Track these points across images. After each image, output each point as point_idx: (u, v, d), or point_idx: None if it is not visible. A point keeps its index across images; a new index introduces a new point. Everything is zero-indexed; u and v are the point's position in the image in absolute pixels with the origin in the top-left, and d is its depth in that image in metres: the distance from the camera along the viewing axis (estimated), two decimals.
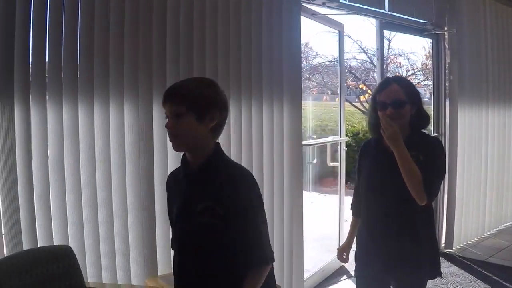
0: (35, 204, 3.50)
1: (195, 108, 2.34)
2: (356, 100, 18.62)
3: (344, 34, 6.57)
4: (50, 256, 3.15)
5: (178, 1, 4.11)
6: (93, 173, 3.70)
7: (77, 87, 3.63)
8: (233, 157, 4.44)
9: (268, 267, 2.46)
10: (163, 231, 4.05)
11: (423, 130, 3.28)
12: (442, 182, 3.65)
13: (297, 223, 5.07)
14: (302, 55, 5.29)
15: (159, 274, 3.99)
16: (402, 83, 3.19)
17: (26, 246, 3.41)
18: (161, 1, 4.01)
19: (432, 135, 3.47)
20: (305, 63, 15.88)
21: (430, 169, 3.04)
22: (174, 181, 2.68)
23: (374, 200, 3.28)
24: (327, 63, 16.67)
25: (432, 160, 3.08)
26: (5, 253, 3.31)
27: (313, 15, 5.68)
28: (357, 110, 17.45)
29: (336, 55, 7.52)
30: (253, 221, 2.40)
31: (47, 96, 3.53)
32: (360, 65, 18.17)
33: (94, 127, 3.74)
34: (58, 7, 3.52)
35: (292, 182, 4.99)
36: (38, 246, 3.43)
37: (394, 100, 3.08)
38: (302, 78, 5.26)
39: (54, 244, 3.50)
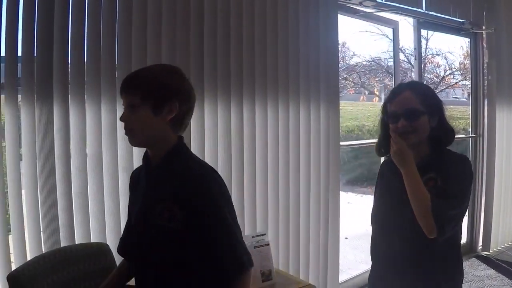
0: (73, 202, 3.52)
1: (151, 99, 2.08)
2: None
3: (382, 33, 6.50)
4: (87, 253, 3.15)
5: (215, 0, 4.10)
6: (130, 171, 3.69)
7: (115, 87, 3.63)
8: (270, 156, 4.45)
9: (248, 272, 2.15)
10: None
11: (448, 148, 2.68)
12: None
13: (333, 224, 5.01)
14: (339, 55, 5.20)
15: None
16: (418, 89, 2.63)
17: (63, 243, 3.42)
18: (198, 0, 4.01)
19: (460, 153, 2.64)
20: (342, 62, 15.78)
21: (446, 196, 2.42)
22: (136, 179, 2.44)
23: (381, 236, 2.78)
24: (364, 62, 16.52)
25: (451, 186, 2.46)
26: (43, 250, 3.33)
27: (360, 14, 5.61)
28: None
29: (374, 54, 7.46)
30: (221, 223, 2.09)
31: (85, 96, 3.54)
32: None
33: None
34: (96, 6, 3.52)
35: (329, 183, 4.93)
36: (76, 243, 3.45)
37: (407, 109, 2.53)
38: (339, 78, 5.17)
39: (91, 241, 3.52)
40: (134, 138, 2.18)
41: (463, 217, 2.58)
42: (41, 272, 2.83)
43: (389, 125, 2.63)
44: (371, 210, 2.86)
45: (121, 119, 2.18)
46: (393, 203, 2.66)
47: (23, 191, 3.40)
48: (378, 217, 2.78)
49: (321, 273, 4.96)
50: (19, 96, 3.33)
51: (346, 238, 7.51)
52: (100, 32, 3.55)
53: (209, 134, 4.08)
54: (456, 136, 2.74)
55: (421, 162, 2.54)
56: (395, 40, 6.43)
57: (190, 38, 3.94)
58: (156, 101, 2.09)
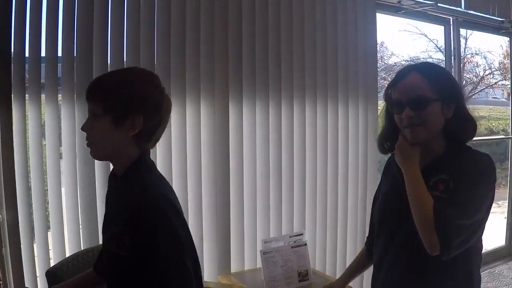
0: None
1: (113, 111, 1.81)
2: None
3: (420, 33, 6.39)
4: None
5: (253, 1, 4.06)
6: (169, 170, 3.69)
7: None
8: (308, 156, 4.38)
9: None
10: (237, 230, 4.01)
11: (468, 145, 2.14)
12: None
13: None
14: (377, 54, 5.11)
15: (232, 271, 3.95)
16: (428, 71, 2.07)
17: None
18: (236, 0, 3.98)
19: (482, 152, 2.12)
20: (380, 62, 15.59)
21: (456, 203, 1.91)
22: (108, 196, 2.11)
23: (382, 244, 2.25)
24: (403, 62, 16.30)
25: (464, 190, 1.94)
26: (81, 247, 3.34)
27: (401, 12, 5.52)
28: None
29: (412, 54, 7.32)
30: (150, 254, 1.72)
31: None
32: None
33: (171, 124, 3.69)
34: (135, 7, 3.51)
35: (366, 183, 4.83)
36: None
37: (413, 96, 2.00)
38: (378, 78, 5.09)
39: None
40: (94, 151, 1.91)
41: (479, 231, 2.03)
42: (79, 268, 2.83)
43: (394, 115, 2.12)
44: (371, 213, 2.48)
45: (82, 128, 1.93)
46: (397, 207, 2.12)
47: (62, 189, 3.41)
48: (380, 222, 2.27)
49: None
50: (59, 95, 3.34)
51: None
52: (139, 33, 3.54)
53: (247, 135, 4.04)
54: (496, 137, 2.43)
55: (433, 162, 2.07)
56: (447, 38, 6.35)
57: (229, 39, 3.91)
58: (118, 114, 1.81)
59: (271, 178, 4.17)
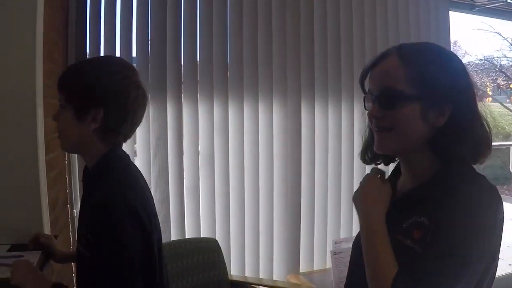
0: (184, 197, 3.52)
1: (73, 102, 1.65)
2: (507, 100, 17.32)
3: (494, 31, 6.11)
4: (196, 247, 3.16)
5: (325, 1, 3.98)
6: (241, 169, 3.67)
7: (227, 85, 3.61)
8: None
9: None
10: (307, 230, 3.94)
11: (469, 169, 1.40)
12: None
13: None
14: None
15: (300, 271, 3.89)
16: (412, 55, 1.37)
17: (174, 237, 3.44)
18: (308, 1, 3.93)
19: (484, 183, 1.34)
20: None
21: (430, 255, 1.24)
22: None
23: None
24: (477, 61, 15.84)
25: (446, 248, 1.24)
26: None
27: (475, 10, 5.32)
28: (508, 111, 16.37)
29: (486, 53, 7.02)
30: (103, 264, 1.52)
31: (198, 94, 3.56)
32: (511, 63, 16.97)
33: (243, 124, 3.69)
34: (208, 7, 3.51)
35: None
36: (186, 237, 3.47)
37: (382, 88, 1.38)
38: None
39: (201, 236, 3.52)
40: (61, 142, 1.77)
41: None
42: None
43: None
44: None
45: (52, 117, 1.77)
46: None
47: None
48: (352, 259, 1.61)
49: None
50: None
51: None
52: (212, 32, 3.54)
53: (319, 136, 3.97)
54: None
55: (412, 193, 1.42)
56: None
57: (301, 38, 3.87)
58: (78, 106, 1.65)
59: (342, 178, 4.09)
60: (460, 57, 1.47)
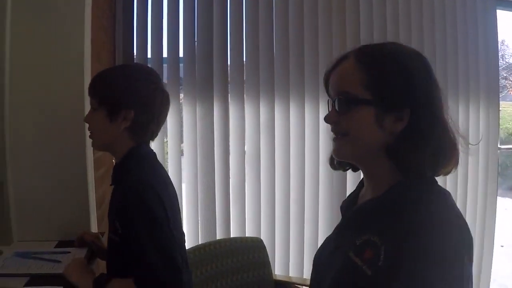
0: (230, 197, 3.53)
1: (106, 105, 1.86)
2: None
3: None
4: (241, 246, 3.15)
5: (371, 1, 3.93)
6: (287, 169, 3.65)
7: (273, 85, 3.59)
8: None
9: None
10: None
11: (431, 182, 1.28)
12: None
13: (488, 230, 4.63)
14: (498, 53, 4.79)
15: None
16: (368, 56, 1.28)
17: (219, 235, 3.44)
18: (354, 2, 3.87)
19: (448, 203, 1.23)
20: (501, 61, 14.82)
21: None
22: None
23: None
24: None
25: (397, 276, 1.10)
26: (199, 241, 3.36)
27: None
28: None
29: None
30: (138, 245, 1.71)
31: (244, 95, 3.56)
32: None
33: (289, 124, 3.66)
34: (253, 8, 3.50)
35: (486, 187, 4.53)
36: (231, 236, 3.46)
37: (338, 91, 1.30)
38: (499, 78, 4.77)
39: (246, 235, 3.52)
40: (93, 142, 1.98)
41: None
42: (197, 262, 2.88)
43: None
44: None
45: (84, 119, 1.99)
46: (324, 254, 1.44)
47: (183, 185, 3.48)
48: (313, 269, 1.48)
49: (474, 281, 4.61)
50: (181, 95, 3.42)
51: (502, 246, 7.00)
52: (258, 32, 3.52)
53: None
54: None
55: (366, 206, 1.31)
56: None
57: (346, 38, 3.83)
58: (111, 108, 1.86)
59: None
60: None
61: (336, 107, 1.28)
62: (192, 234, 3.42)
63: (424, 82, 1.23)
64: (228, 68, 3.49)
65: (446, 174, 1.27)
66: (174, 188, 2.00)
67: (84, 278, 1.79)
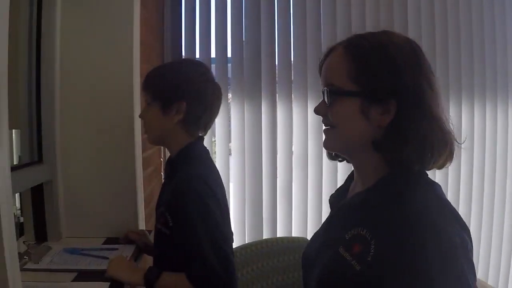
0: (277, 197, 3.52)
1: (159, 99, 1.89)
2: None
3: None
4: (288, 247, 3.14)
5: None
6: (334, 169, 3.62)
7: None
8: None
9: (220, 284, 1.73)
10: None
11: (423, 177, 1.23)
12: None
13: None
14: None
15: None
16: (357, 46, 1.21)
17: (266, 235, 3.44)
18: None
19: (437, 196, 1.18)
20: None
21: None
22: None
23: None
24: None
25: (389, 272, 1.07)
26: (245, 240, 3.38)
27: None
28: None
29: None
30: (189, 234, 1.74)
31: (292, 95, 3.55)
32: None
33: None
34: (301, 8, 3.48)
35: None
36: (277, 236, 3.45)
37: (325, 83, 1.25)
38: None
39: (292, 235, 3.51)
40: (148, 136, 2.00)
41: None
42: (243, 261, 2.88)
43: None
44: None
45: (139, 115, 2.03)
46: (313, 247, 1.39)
47: (231, 184, 3.50)
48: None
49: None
50: (229, 94, 3.44)
51: None
52: (306, 32, 3.50)
53: None
54: None
55: (356, 198, 1.27)
56: None
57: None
58: (164, 101, 1.88)
59: (437, 178, 3.91)
60: None
61: (325, 99, 1.24)
62: (238, 233, 3.43)
63: (411, 75, 1.17)
64: (276, 67, 3.48)
65: (440, 168, 1.23)
66: (224, 186, 2.02)
67: (134, 273, 1.82)
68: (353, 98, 1.19)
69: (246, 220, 3.46)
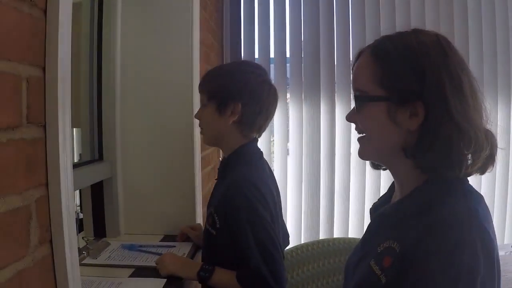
0: (335, 198, 3.49)
1: (215, 99, 1.87)
2: None
3: None
4: (345, 247, 3.12)
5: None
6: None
7: None
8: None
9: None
10: None
11: (461, 185, 1.14)
12: None
13: None
14: None
15: None
16: (384, 50, 1.16)
17: (322, 235, 3.41)
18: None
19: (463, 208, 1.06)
20: None
21: None
22: None
23: None
24: None
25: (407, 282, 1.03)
26: (302, 240, 3.35)
27: None
28: None
29: None
30: (241, 243, 1.73)
31: (351, 95, 3.52)
32: None
33: None
34: (360, 7, 3.46)
35: None
36: (334, 237, 3.43)
37: (354, 90, 1.21)
38: None
39: (349, 236, 3.48)
40: (203, 136, 1.99)
41: None
42: (299, 260, 2.87)
43: None
44: None
45: (195, 116, 2.00)
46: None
47: (288, 183, 3.46)
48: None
49: None
50: (288, 94, 3.43)
51: None
52: (364, 30, 3.45)
53: None
54: None
55: (388, 208, 1.23)
56: None
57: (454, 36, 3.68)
58: (219, 102, 1.86)
59: (497, 182, 3.79)
60: None
61: (355, 103, 1.19)
62: (295, 234, 3.40)
63: (438, 76, 1.09)
64: (335, 67, 3.45)
65: (481, 173, 1.14)
66: (277, 186, 2.00)
67: (187, 267, 1.84)
68: (380, 103, 1.13)
69: (302, 221, 3.44)
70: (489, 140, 1.12)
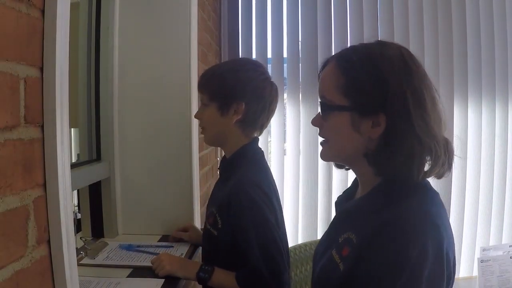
0: (332, 197, 3.48)
1: (217, 98, 1.84)
2: None
3: None
4: None
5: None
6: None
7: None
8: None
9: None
10: (456, 235, 3.73)
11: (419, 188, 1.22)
12: None
13: None
14: None
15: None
16: (348, 60, 1.22)
17: (320, 235, 3.42)
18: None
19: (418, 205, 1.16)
20: None
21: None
22: None
23: None
24: None
25: (361, 272, 1.13)
26: (298, 240, 3.36)
27: None
28: None
29: None
30: (243, 244, 1.73)
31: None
32: None
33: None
34: (358, 8, 3.45)
35: None
36: None
37: (319, 97, 1.28)
38: None
39: None
40: (204, 136, 1.96)
41: None
42: (296, 260, 2.87)
43: None
44: None
45: (195, 116, 1.98)
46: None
47: (285, 183, 3.47)
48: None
49: None
50: (285, 94, 3.42)
51: None
52: (362, 31, 3.44)
53: (471, 137, 3.73)
54: None
55: (350, 204, 1.34)
56: None
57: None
58: (222, 102, 1.84)
59: (495, 182, 3.80)
60: None
61: (320, 111, 1.27)
62: (292, 233, 3.40)
63: (399, 88, 1.15)
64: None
65: (438, 177, 1.22)
66: (276, 187, 1.98)
67: (185, 267, 1.82)
68: (344, 113, 1.20)
69: (300, 221, 3.44)
70: (447, 148, 1.20)
